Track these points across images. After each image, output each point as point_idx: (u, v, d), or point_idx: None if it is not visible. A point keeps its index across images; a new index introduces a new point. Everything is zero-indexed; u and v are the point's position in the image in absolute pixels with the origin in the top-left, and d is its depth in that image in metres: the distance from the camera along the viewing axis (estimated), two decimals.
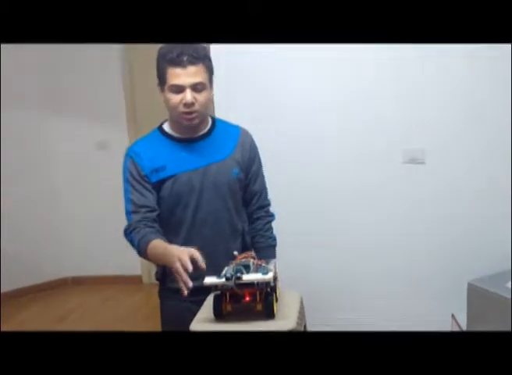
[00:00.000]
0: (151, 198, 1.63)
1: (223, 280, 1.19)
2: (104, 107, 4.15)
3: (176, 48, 1.54)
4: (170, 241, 1.55)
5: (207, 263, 1.34)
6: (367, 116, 2.41)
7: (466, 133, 2.37)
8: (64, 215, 4.29)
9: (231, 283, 1.19)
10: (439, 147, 2.39)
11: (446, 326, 2.39)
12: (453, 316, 2.38)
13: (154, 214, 1.63)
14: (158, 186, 1.65)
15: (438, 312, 2.43)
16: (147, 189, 1.63)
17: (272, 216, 1.85)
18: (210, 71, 1.63)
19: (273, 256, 1.81)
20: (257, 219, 1.81)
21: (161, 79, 1.61)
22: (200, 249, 1.41)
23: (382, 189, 2.46)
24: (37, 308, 3.88)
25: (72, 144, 4.23)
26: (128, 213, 1.64)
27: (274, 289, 1.24)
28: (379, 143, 2.42)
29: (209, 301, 1.31)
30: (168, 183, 1.64)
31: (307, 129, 2.42)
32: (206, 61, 1.60)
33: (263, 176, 1.82)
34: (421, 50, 2.24)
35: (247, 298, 1.22)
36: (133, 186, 1.64)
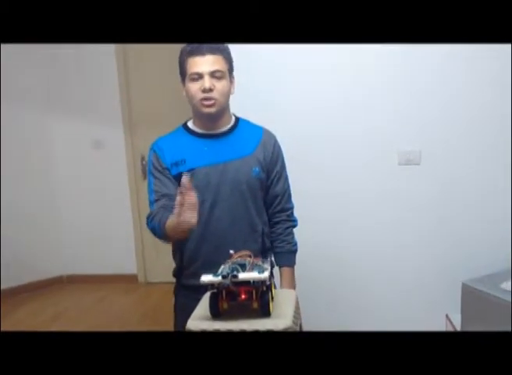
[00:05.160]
0: (172, 188, 1.64)
1: (219, 278, 1.20)
2: (100, 106, 4.15)
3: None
4: (187, 236, 1.55)
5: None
6: (364, 118, 2.43)
7: (463, 135, 2.38)
8: (60, 213, 4.28)
9: (227, 281, 1.19)
10: (436, 148, 2.41)
11: (440, 326, 2.41)
12: (447, 316, 2.39)
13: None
14: (178, 179, 1.64)
15: (432, 312, 2.45)
16: (168, 179, 1.67)
17: (294, 220, 1.82)
18: (229, 63, 1.65)
19: (293, 263, 1.80)
20: (278, 222, 1.79)
21: (182, 71, 1.63)
22: (217, 247, 1.39)
23: (378, 190, 2.47)
24: (32, 306, 3.87)
25: (68, 144, 4.23)
26: (151, 203, 1.68)
27: (270, 287, 1.25)
28: (376, 145, 2.44)
29: (205, 299, 1.31)
30: None
31: (303, 130, 2.42)
32: (225, 53, 1.63)
33: (286, 179, 1.80)
34: (420, 51, 2.25)
35: (243, 296, 1.23)
36: (155, 177, 1.69)
